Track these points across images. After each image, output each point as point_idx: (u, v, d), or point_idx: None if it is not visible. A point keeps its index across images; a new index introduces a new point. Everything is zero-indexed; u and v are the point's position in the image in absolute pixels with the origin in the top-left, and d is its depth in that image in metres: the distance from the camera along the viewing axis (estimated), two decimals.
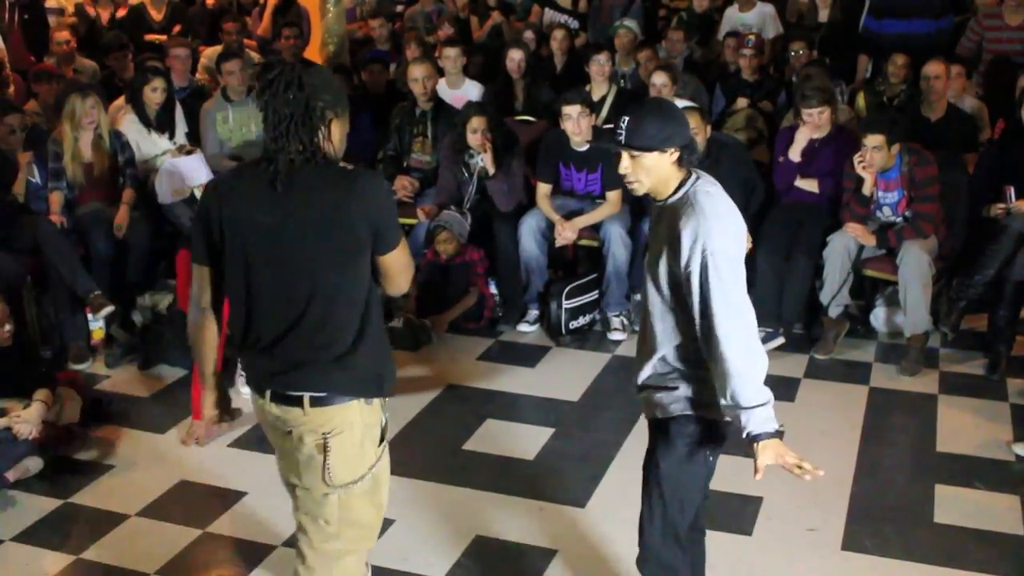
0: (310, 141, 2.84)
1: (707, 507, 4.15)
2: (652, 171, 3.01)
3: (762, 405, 2.92)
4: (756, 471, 2.95)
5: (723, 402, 2.96)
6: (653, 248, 3.12)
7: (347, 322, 2.93)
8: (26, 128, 6.41)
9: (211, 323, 3.14)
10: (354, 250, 2.90)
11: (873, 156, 5.60)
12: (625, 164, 3.03)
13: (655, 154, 2.99)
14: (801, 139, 6.08)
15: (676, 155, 3.01)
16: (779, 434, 2.97)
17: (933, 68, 6.53)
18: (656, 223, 3.13)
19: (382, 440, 3.08)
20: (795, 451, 4.90)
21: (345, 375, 2.95)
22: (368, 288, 2.98)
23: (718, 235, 2.89)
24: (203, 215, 2.98)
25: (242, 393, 5.51)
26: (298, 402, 2.94)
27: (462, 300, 6.31)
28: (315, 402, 2.94)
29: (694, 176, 3.06)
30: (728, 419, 3.05)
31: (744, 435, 2.95)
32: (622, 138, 2.99)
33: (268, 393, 3.01)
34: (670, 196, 3.04)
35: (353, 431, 2.98)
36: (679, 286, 2.98)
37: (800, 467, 2.96)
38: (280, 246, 2.87)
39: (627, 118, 3.01)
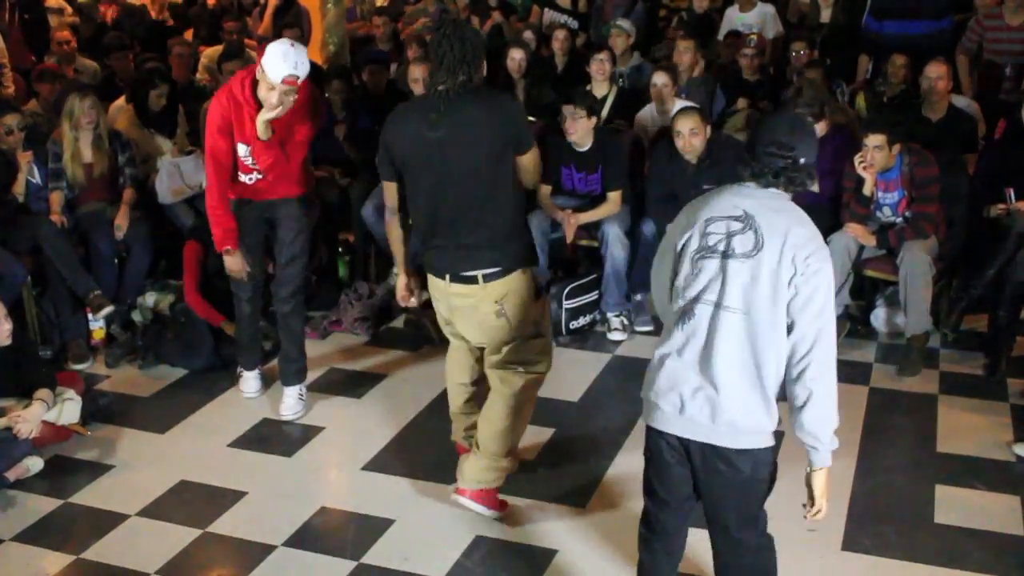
0: (473, 73, 3.86)
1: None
2: None
3: None
4: None
5: None
6: None
7: (503, 213, 3.93)
8: (25, 128, 6.41)
9: (398, 223, 4.25)
10: (501, 153, 3.87)
11: (874, 156, 5.60)
12: None
13: None
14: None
15: None
16: None
17: (935, 69, 6.52)
18: None
19: (539, 296, 4.14)
20: (797, 452, 4.95)
21: (506, 253, 3.96)
22: (514, 181, 3.98)
23: None
24: (385, 142, 4.03)
25: (244, 392, 5.52)
26: (474, 280, 3.94)
27: None
28: (487, 278, 3.93)
29: (734, 185, 3.18)
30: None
31: None
32: None
33: (448, 276, 3.99)
34: None
35: (517, 295, 3.99)
36: None
37: None
38: (445, 155, 3.83)
39: None
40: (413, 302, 4.44)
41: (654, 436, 3.28)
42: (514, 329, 4.06)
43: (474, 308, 4.02)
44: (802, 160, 3.08)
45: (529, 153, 3.99)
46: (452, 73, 3.81)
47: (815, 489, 3.30)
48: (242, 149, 4.87)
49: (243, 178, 4.98)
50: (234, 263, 5.11)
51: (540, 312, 4.20)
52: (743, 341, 3.06)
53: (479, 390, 4.43)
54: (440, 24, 3.96)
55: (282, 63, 4.57)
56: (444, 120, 3.81)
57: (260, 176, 4.95)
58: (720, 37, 8.75)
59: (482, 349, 4.29)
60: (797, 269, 3.00)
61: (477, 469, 4.28)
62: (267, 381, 5.63)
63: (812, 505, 3.29)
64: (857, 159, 5.65)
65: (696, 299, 3.10)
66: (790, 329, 3.05)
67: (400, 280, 4.42)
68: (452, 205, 3.90)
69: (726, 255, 3.05)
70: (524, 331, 4.09)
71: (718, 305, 3.06)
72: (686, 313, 3.12)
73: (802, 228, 3.06)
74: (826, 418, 3.24)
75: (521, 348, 4.13)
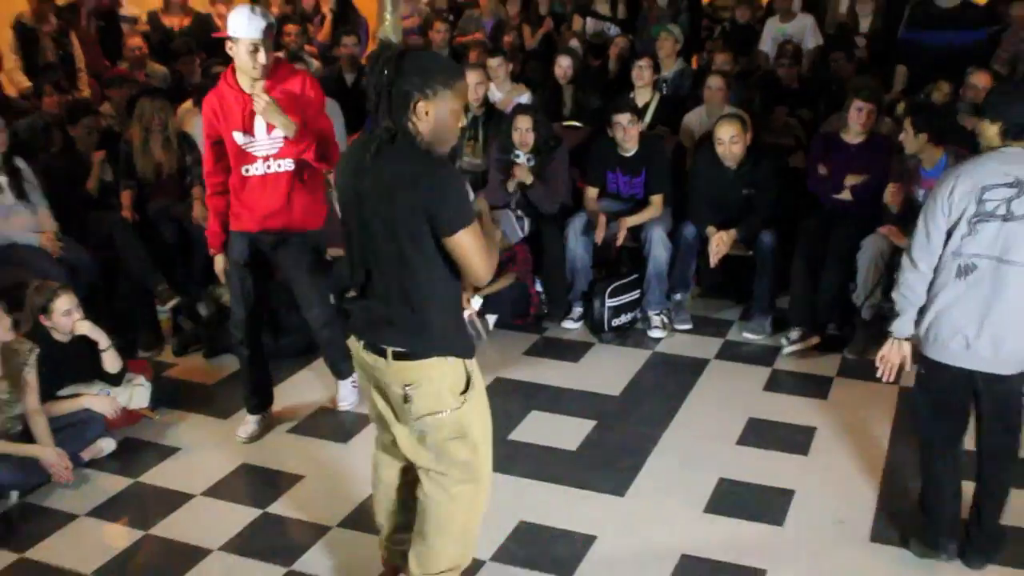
0: (396, 121, 3.02)
1: (741, 498, 4.19)
2: (982, 134, 3.73)
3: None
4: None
5: None
6: None
7: (420, 288, 3.10)
8: (100, 129, 6.53)
9: None
10: (416, 227, 3.02)
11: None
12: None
13: (986, 121, 3.69)
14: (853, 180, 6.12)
15: (996, 127, 3.64)
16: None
17: (981, 79, 6.47)
18: None
19: (466, 390, 3.25)
20: (828, 446, 4.96)
21: (421, 335, 3.15)
22: (443, 263, 3.11)
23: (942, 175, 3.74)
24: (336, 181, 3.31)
25: (239, 435, 5.22)
26: (383, 353, 3.19)
27: (497, 281, 6.21)
28: (396, 356, 3.17)
29: (1006, 149, 3.61)
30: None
31: None
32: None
33: (362, 342, 3.26)
34: None
35: (431, 384, 3.18)
36: None
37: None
38: (366, 210, 3.09)
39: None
40: None
41: (939, 369, 3.78)
42: (416, 421, 3.25)
43: (386, 384, 3.27)
44: None
45: (456, 237, 3.02)
46: (376, 113, 3.08)
47: None
48: (239, 138, 4.66)
49: (250, 171, 4.71)
50: (217, 263, 5.00)
51: (471, 410, 3.31)
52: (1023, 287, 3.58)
53: (410, 509, 3.59)
54: (377, 50, 3.18)
55: (256, 19, 4.45)
56: (369, 172, 3.07)
57: (267, 166, 4.68)
58: (761, 47, 8.74)
59: None
60: None
61: None
62: (266, 428, 5.27)
63: None
64: (889, 190, 5.70)
65: (978, 255, 3.58)
66: None
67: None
68: (371, 262, 3.17)
69: (1006, 218, 3.52)
70: (430, 425, 3.26)
71: (1000, 260, 3.55)
72: (967, 268, 3.61)
73: None
74: None
75: (442, 451, 3.31)
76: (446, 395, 3.21)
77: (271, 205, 4.76)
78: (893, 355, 3.93)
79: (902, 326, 3.86)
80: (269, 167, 4.72)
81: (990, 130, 3.68)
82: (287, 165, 4.73)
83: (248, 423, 5.17)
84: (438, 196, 3.00)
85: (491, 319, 6.28)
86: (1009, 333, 3.62)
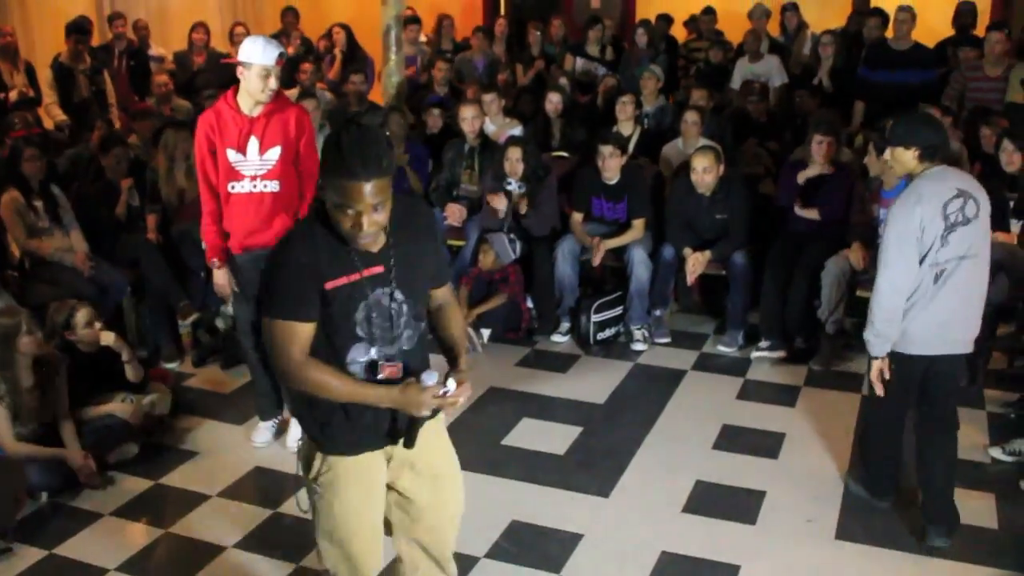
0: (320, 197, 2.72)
1: (716, 499, 4.14)
2: (896, 161, 3.83)
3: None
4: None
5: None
6: None
7: None
8: (128, 158, 6.48)
9: None
10: None
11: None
12: (885, 154, 3.94)
13: (899, 148, 3.79)
14: (810, 171, 6.10)
15: (912, 152, 3.76)
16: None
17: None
18: None
19: (308, 473, 2.98)
20: (797, 450, 4.90)
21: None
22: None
23: (897, 207, 3.77)
24: None
25: (253, 441, 5.13)
26: None
27: (492, 299, 6.29)
28: None
29: (932, 169, 3.76)
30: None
31: None
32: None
33: None
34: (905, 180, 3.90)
35: (303, 443, 3.02)
36: None
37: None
38: None
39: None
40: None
41: (911, 360, 3.90)
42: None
43: None
44: None
45: (265, 320, 2.68)
46: None
47: None
48: (232, 155, 4.51)
49: (235, 188, 4.55)
50: (219, 277, 4.78)
51: (320, 500, 3.02)
52: (979, 277, 3.84)
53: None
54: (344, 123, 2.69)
55: (271, 48, 4.37)
56: None
57: (253, 185, 4.54)
58: (733, 85, 8.70)
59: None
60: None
61: None
62: (279, 433, 5.16)
63: None
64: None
65: (948, 259, 3.73)
66: None
67: None
68: None
69: (964, 223, 3.71)
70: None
71: (963, 257, 3.74)
72: (941, 272, 3.75)
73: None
74: None
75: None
76: (304, 463, 2.97)
77: (252, 223, 4.58)
78: (878, 372, 3.98)
79: (884, 348, 3.92)
80: (255, 186, 4.57)
81: (905, 155, 3.79)
82: (272, 186, 4.59)
83: (261, 429, 5.08)
84: (264, 275, 2.69)
85: (485, 333, 6.24)
86: (973, 317, 3.88)
